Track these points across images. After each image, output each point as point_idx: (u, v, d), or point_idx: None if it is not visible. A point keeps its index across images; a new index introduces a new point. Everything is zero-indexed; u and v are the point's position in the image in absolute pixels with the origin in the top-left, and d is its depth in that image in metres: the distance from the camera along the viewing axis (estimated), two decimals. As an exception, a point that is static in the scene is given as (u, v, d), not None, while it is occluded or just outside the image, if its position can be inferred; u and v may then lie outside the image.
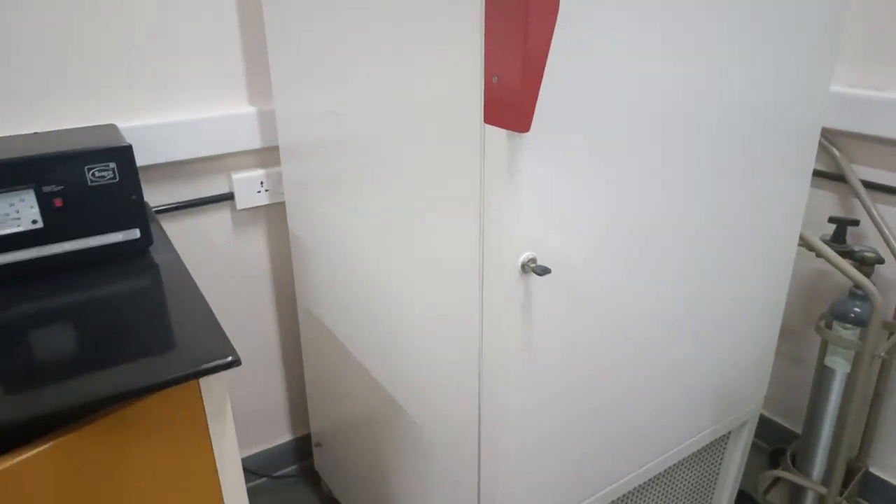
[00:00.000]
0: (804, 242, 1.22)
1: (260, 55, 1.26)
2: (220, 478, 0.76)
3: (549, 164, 0.70)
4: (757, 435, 1.72)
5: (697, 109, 0.83)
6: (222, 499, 0.77)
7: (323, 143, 1.05)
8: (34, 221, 0.84)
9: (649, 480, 1.12)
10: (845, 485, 1.47)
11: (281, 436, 1.61)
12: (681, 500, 1.23)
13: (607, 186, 0.77)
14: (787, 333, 1.60)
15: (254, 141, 1.29)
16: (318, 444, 1.49)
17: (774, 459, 1.64)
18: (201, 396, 0.71)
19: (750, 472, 1.61)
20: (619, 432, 0.97)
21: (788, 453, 1.49)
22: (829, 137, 1.41)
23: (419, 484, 1.04)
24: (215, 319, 0.76)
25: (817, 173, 1.45)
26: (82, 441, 0.63)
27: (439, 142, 0.76)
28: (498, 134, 0.67)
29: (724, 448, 1.26)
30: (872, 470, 1.51)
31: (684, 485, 1.21)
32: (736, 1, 0.80)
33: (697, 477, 1.24)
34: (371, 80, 0.86)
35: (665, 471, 1.14)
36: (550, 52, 0.65)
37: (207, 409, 0.72)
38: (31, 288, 0.83)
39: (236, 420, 1.51)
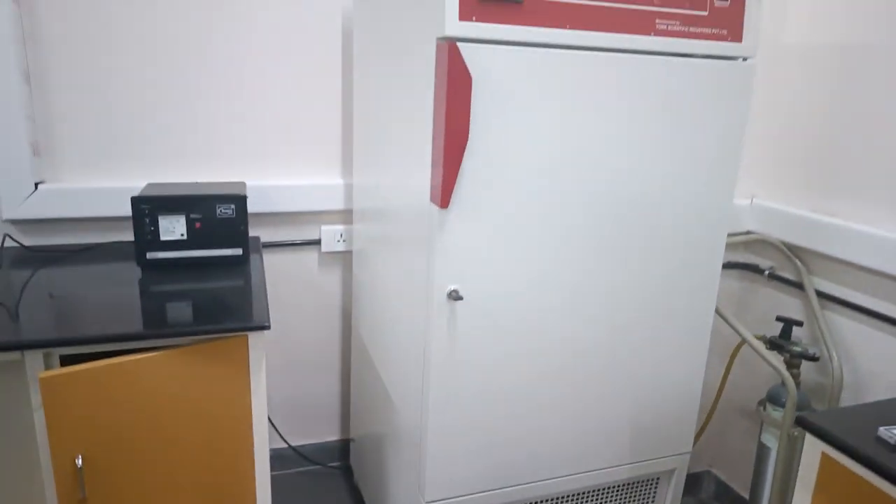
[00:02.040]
0: (736, 332, 1.50)
1: (351, 142, 1.81)
2: (252, 399, 1.22)
3: (469, 224, 1.13)
4: (715, 497, 1.91)
5: (610, 197, 1.22)
6: (252, 417, 1.24)
7: (372, 210, 1.54)
8: (182, 234, 1.40)
9: (577, 496, 1.42)
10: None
11: (331, 433, 2.06)
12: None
13: (523, 243, 1.18)
14: (745, 409, 1.81)
15: (339, 203, 1.82)
16: (353, 440, 1.92)
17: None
18: (248, 345, 1.20)
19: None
20: (534, 435, 1.32)
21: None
22: (794, 251, 1.68)
23: (395, 462, 1.44)
24: (266, 304, 1.24)
25: (785, 280, 1.71)
26: (186, 352, 1.13)
27: (416, 214, 1.22)
28: (434, 208, 1.11)
29: (654, 492, 1.52)
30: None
31: (614, 512, 1.49)
32: (644, 122, 1.20)
33: (631, 512, 1.51)
34: (389, 169, 1.35)
35: (591, 492, 1.43)
36: (466, 159, 1.10)
37: (251, 355, 1.20)
38: (177, 273, 1.38)
39: (298, 414, 1.99)
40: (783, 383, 1.51)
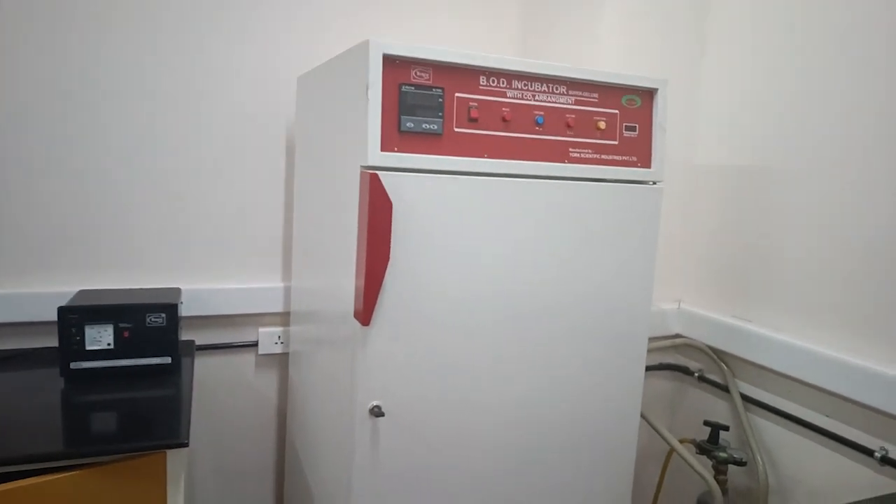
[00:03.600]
0: (662, 438, 1.53)
1: (290, 245, 1.84)
2: (167, 521, 1.18)
3: (392, 342, 1.15)
4: None
5: (535, 307, 1.26)
6: (167, 538, 1.19)
7: (306, 313, 1.56)
8: (109, 344, 1.38)
9: None
10: None
11: (265, 542, 1.97)
12: None
13: (446, 358, 1.20)
14: (699, 524, 1.82)
15: (278, 306, 1.83)
16: (286, 551, 1.84)
17: None
18: (165, 462, 1.17)
19: None
20: (463, 555, 1.29)
21: None
22: (719, 355, 1.74)
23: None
24: (189, 418, 1.23)
25: (713, 383, 1.76)
26: (104, 471, 1.10)
27: (342, 327, 1.24)
28: (357, 325, 1.14)
29: None
30: None
31: None
32: (560, 230, 1.25)
33: None
34: (321, 278, 1.38)
35: None
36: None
37: (169, 472, 1.17)
38: (103, 383, 1.35)
39: (231, 520, 1.91)
40: (710, 491, 1.53)
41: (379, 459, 1.18)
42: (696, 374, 1.80)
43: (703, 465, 1.64)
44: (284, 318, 1.85)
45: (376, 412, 1.15)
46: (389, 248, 1.11)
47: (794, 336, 1.54)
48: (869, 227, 1.40)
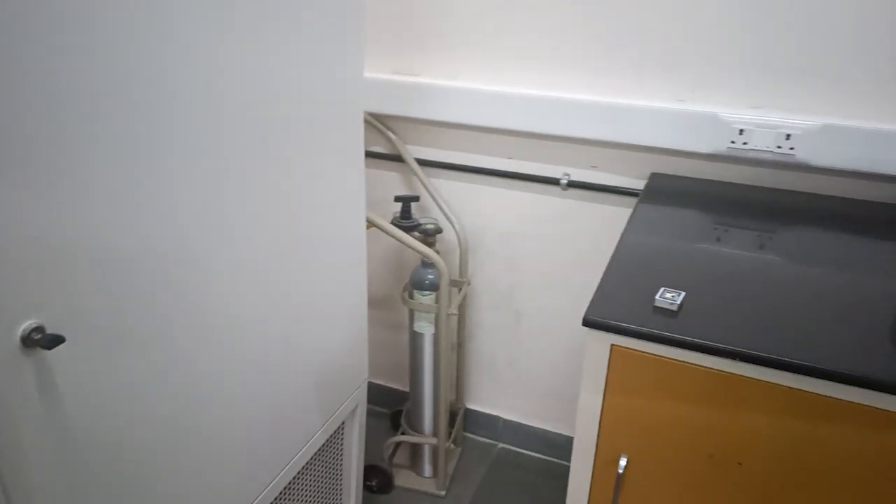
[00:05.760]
0: (372, 224, 1.29)
1: None
2: None
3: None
4: (376, 402, 1.84)
5: (235, 99, 0.77)
6: None
7: None
8: None
9: (276, 496, 1.07)
10: (453, 425, 1.66)
11: None
12: (311, 499, 1.22)
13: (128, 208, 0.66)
14: (385, 304, 1.72)
15: None
16: None
17: (395, 421, 1.78)
18: None
19: (376, 440, 1.71)
20: (225, 457, 0.88)
21: (404, 414, 1.62)
22: (385, 122, 1.52)
23: None
24: None
25: (380, 156, 1.56)
26: None
27: None
28: None
29: (342, 436, 1.29)
30: (470, 406, 1.75)
31: (312, 484, 1.20)
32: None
33: (323, 471, 1.24)
34: None
35: (290, 481, 1.10)
36: None
37: None
38: None
39: None
40: (425, 265, 1.40)
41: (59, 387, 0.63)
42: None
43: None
44: None
45: (40, 339, 0.58)
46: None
47: (469, 80, 1.41)
48: (536, -56, 1.28)
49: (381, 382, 1.83)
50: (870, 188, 1.19)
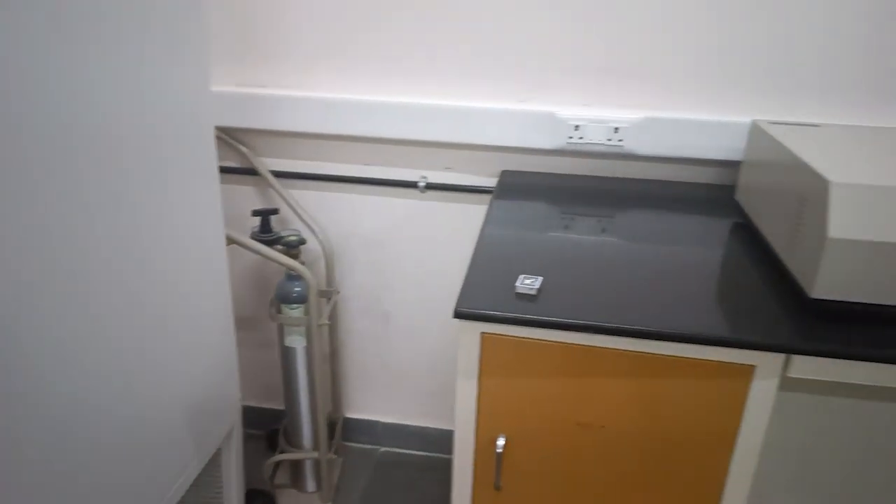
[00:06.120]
0: (232, 241, 1.25)
1: None
2: None
3: None
4: (251, 425, 1.78)
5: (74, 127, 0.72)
6: None
7: None
8: None
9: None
10: (333, 437, 1.65)
11: None
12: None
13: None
14: (252, 323, 1.67)
15: None
16: None
17: (272, 441, 1.73)
18: None
19: (255, 463, 1.65)
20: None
21: (281, 432, 1.58)
22: (235, 136, 1.48)
23: None
24: None
25: (234, 170, 1.51)
26: None
27: None
28: None
29: (219, 464, 1.24)
30: (348, 415, 1.74)
31: (189, 520, 1.14)
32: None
33: (203, 502, 1.18)
34: None
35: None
36: None
37: None
38: None
39: None
40: (291, 277, 1.38)
41: None
42: (206, 166, 1.50)
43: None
44: None
45: None
46: None
47: (319, 89, 1.41)
48: (374, -45, 1.31)
49: (255, 404, 1.77)
50: (688, 171, 1.35)
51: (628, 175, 1.38)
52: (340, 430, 1.70)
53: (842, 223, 0.78)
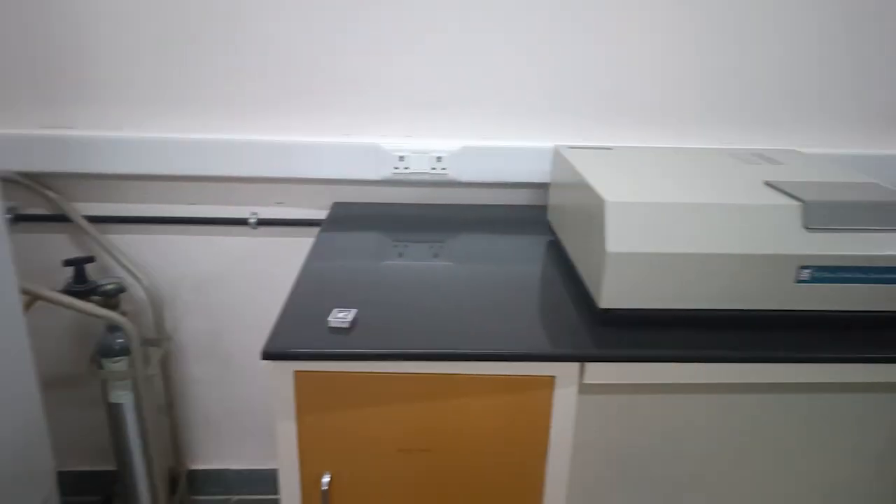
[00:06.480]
0: (35, 296, 1.16)
1: None
2: None
3: None
4: (82, 492, 1.63)
5: None
6: None
7: None
8: None
9: None
10: (176, 493, 1.55)
11: None
12: None
13: None
14: (73, 382, 1.54)
15: None
16: None
17: (109, 507, 1.60)
18: None
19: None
20: None
21: (116, 496, 1.47)
22: (42, 181, 1.38)
23: None
24: None
25: (41, 218, 1.40)
26: None
27: None
28: None
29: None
30: (195, 467, 1.65)
31: None
32: None
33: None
34: None
35: None
36: None
37: None
38: None
39: None
40: (111, 329, 1.29)
41: None
42: (11, 216, 1.38)
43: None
44: None
45: None
46: None
47: (133, 129, 1.35)
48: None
49: (86, 468, 1.63)
50: (506, 195, 1.43)
51: (454, 201, 1.43)
52: (185, 483, 1.60)
53: (617, 238, 0.86)
